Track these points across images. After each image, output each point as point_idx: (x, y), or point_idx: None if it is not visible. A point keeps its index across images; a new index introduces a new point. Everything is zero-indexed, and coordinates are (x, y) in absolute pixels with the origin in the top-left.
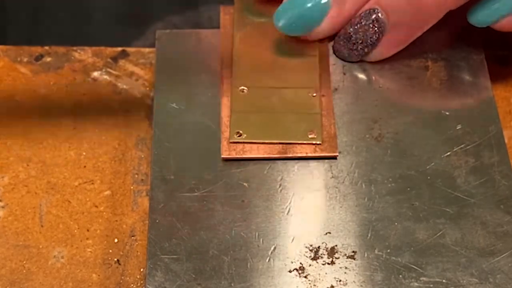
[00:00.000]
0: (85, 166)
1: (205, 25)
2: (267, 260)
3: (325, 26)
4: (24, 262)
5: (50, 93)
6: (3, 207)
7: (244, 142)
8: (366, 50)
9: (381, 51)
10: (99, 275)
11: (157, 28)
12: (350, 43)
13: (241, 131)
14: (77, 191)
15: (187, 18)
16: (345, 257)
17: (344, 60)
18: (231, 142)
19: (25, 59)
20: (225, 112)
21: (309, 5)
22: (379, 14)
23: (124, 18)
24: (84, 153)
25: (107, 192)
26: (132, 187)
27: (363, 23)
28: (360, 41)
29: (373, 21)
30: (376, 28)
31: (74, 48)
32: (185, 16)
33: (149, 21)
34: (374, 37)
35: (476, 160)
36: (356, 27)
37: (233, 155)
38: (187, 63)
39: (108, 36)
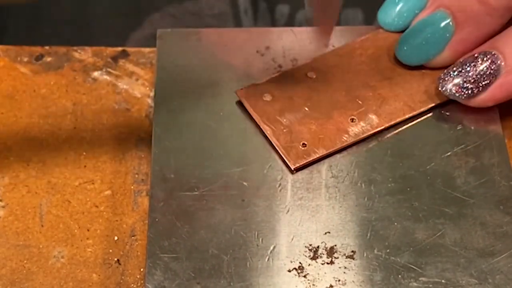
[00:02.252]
0: (85, 166)
1: (205, 13)
2: (266, 260)
3: (447, 53)
4: (25, 262)
5: (50, 93)
6: (3, 207)
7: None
8: (475, 91)
9: (488, 97)
10: (99, 275)
11: (155, 18)
12: (460, 80)
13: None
14: (77, 191)
15: (186, 8)
16: (344, 256)
17: (448, 99)
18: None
19: (25, 59)
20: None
21: (430, 32)
22: (497, 59)
23: (122, 9)
24: (84, 153)
25: (107, 192)
26: (132, 187)
27: (478, 63)
28: (472, 81)
29: (489, 63)
30: (491, 71)
31: (74, 48)
32: (183, 5)
33: (147, 11)
34: (486, 80)
35: (476, 161)
36: (469, 66)
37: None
38: (188, 62)
39: (106, 27)
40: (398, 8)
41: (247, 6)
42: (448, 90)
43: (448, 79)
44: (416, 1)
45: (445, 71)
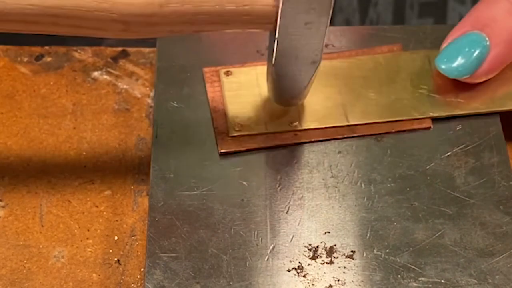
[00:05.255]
0: (85, 166)
1: None
2: (266, 259)
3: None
4: (25, 262)
5: (50, 93)
6: (3, 207)
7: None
8: None
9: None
10: (99, 275)
11: None
12: None
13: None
14: (78, 191)
15: None
16: (344, 256)
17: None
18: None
19: (25, 59)
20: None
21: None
22: None
23: None
24: (84, 153)
25: (108, 192)
26: (132, 187)
27: None
28: None
29: None
30: None
31: (74, 48)
32: None
33: None
34: None
35: (476, 161)
36: None
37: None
38: (188, 62)
39: None
40: (460, 55)
41: None
42: None
43: None
44: (479, 50)
45: None
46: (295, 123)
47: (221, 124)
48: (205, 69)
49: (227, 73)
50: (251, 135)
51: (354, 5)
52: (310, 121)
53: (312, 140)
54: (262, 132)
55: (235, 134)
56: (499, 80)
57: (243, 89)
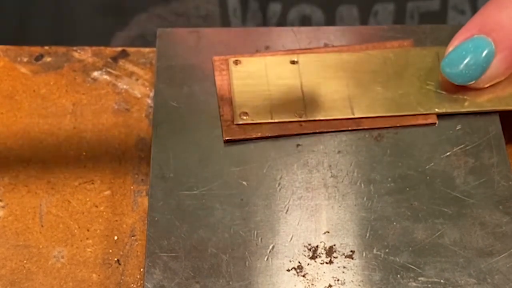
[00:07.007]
0: (85, 166)
1: (191, 15)
2: (265, 259)
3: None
4: (24, 262)
5: (49, 93)
6: (3, 207)
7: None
8: None
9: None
10: (99, 275)
11: (141, 19)
12: None
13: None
14: (77, 191)
15: (172, 9)
16: (344, 256)
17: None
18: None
19: (25, 59)
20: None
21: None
22: None
23: (108, 9)
24: (84, 153)
25: (107, 192)
26: (132, 187)
27: None
28: None
29: None
30: None
31: (74, 48)
32: (170, 6)
33: (133, 11)
34: None
35: (475, 161)
36: None
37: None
38: (187, 62)
39: (92, 27)
40: (465, 61)
41: (236, 6)
42: None
43: None
44: (484, 55)
45: None
46: (300, 114)
47: (227, 112)
48: (215, 58)
49: (236, 62)
50: (256, 124)
51: (355, 14)
52: (315, 112)
53: (317, 131)
54: (267, 121)
55: (241, 122)
56: (508, 79)
57: (251, 78)
